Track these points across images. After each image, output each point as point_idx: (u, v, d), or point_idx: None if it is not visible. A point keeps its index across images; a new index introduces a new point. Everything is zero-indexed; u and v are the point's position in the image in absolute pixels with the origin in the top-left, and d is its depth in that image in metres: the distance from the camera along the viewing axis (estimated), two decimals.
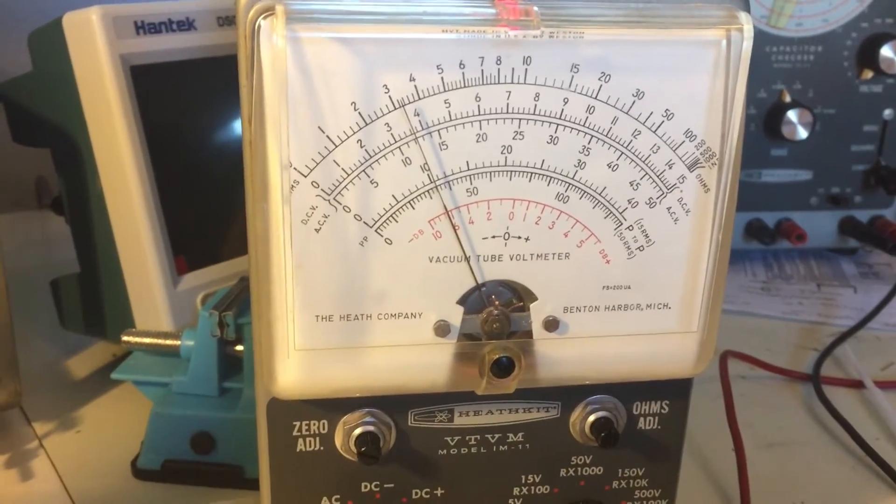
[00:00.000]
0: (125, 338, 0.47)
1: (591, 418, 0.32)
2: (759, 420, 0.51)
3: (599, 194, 0.29)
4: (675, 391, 0.32)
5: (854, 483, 0.46)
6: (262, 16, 0.25)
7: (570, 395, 0.32)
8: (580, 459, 0.33)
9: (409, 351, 0.29)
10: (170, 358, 0.47)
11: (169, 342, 0.46)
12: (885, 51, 0.68)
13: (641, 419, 0.33)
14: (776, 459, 0.48)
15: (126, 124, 0.48)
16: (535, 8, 0.26)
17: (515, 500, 0.33)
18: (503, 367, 0.29)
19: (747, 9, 0.28)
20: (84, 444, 0.49)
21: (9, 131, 0.55)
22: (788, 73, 0.70)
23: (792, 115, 0.69)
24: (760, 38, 0.69)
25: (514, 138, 0.28)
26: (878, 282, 0.71)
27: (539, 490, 0.33)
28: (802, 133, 0.69)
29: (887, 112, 0.71)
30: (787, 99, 0.70)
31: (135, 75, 0.48)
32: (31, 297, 0.59)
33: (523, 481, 0.33)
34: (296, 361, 0.28)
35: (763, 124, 0.71)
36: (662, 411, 0.33)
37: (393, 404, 0.31)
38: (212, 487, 0.44)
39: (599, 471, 0.33)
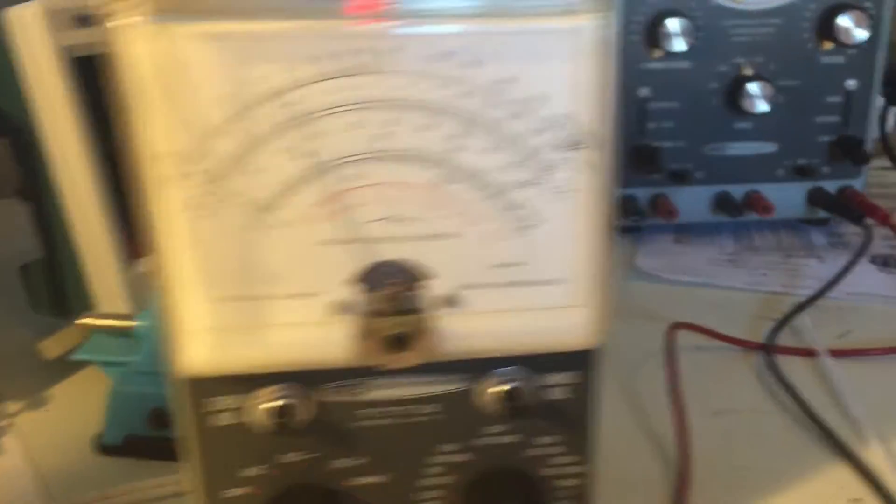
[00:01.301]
0: (82, 321, 0.49)
1: (500, 389, 0.33)
2: (708, 389, 0.52)
3: (481, 176, 0.30)
4: (582, 362, 0.34)
5: (798, 449, 0.48)
6: (132, 11, 0.26)
7: (480, 367, 0.33)
8: (494, 429, 0.34)
9: (308, 329, 0.31)
10: (126, 338, 0.49)
11: (125, 323, 0.48)
12: (842, 20, 0.68)
13: (551, 389, 0.34)
14: (722, 427, 0.50)
15: (72, 112, 0.49)
16: (397, 3, 0.27)
17: (434, 467, 0.35)
18: (399, 342, 0.30)
19: None
20: (52, 422, 0.51)
21: None
22: (748, 46, 0.70)
23: (752, 87, 0.69)
24: (719, 12, 0.69)
25: (390, 125, 0.29)
26: (846, 251, 0.71)
27: (456, 458, 0.35)
28: (762, 106, 0.69)
29: (850, 82, 0.72)
30: (748, 72, 0.70)
31: (78, 66, 0.50)
32: (5, 283, 0.61)
33: (440, 450, 0.34)
34: (199, 341, 0.30)
35: (724, 98, 0.71)
36: (571, 381, 0.34)
37: (306, 378, 0.32)
38: (168, 461, 0.46)
39: (514, 439, 0.34)
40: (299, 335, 0.31)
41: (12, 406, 0.52)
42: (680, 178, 0.73)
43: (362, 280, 0.31)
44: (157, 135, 0.28)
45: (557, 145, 0.30)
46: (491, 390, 0.33)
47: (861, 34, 0.69)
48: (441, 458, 0.34)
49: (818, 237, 0.75)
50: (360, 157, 0.29)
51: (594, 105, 0.30)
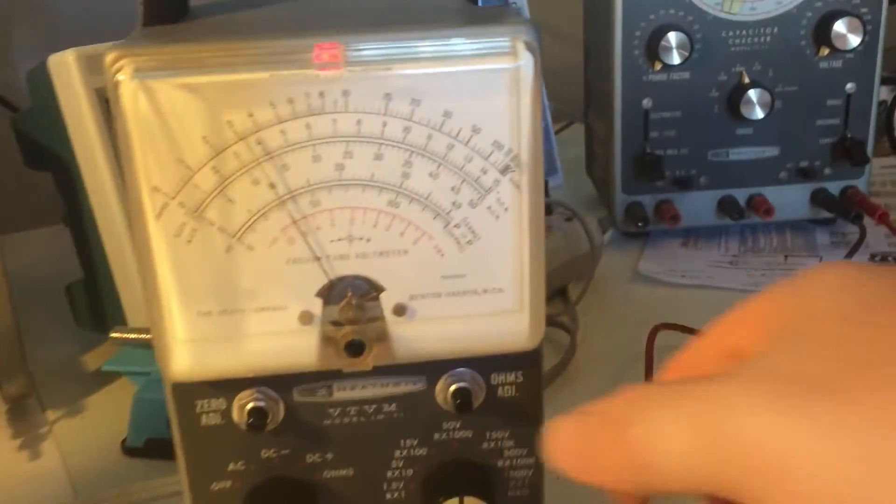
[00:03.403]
0: (112, 335, 0.54)
1: (452, 388, 0.37)
2: None
3: (426, 199, 0.34)
4: (527, 362, 0.37)
5: None
6: (119, 71, 0.31)
7: (434, 369, 0.37)
8: (450, 425, 0.38)
9: (279, 338, 0.35)
10: (151, 350, 0.54)
11: (148, 336, 0.53)
12: (838, 27, 0.71)
13: (499, 388, 0.38)
14: None
15: (104, 148, 0.55)
16: (344, 53, 0.32)
17: (398, 461, 0.39)
18: (356, 348, 0.35)
19: (535, 38, 0.32)
20: (86, 428, 0.56)
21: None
22: (746, 55, 0.73)
23: (752, 94, 0.72)
24: (716, 24, 0.72)
25: (344, 157, 0.33)
26: (847, 251, 0.73)
27: (417, 452, 0.38)
28: (759, 112, 0.72)
29: (849, 86, 0.74)
30: (746, 80, 0.73)
31: (110, 105, 0.55)
32: (57, 301, 0.67)
33: (402, 445, 0.38)
34: (183, 351, 0.35)
35: (725, 106, 0.74)
36: (517, 380, 0.38)
37: (279, 383, 0.37)
38: None
39: (469, 434, 0.38)
40: (271, 344, 0.35)
41: (52, 414, 0.58)
42: (683, 184, 0.75)
43: (324, 294, 0.35)
44: (143, 172, 0.32)
45: (492, 170, 0.34)
46: (445, 389, 0.37)
47: (856, 39, 0.71)
48: (403, 453, 0.38)
49: (822, 237, 0.77)
50: (319, 186, 0.34)
51: (522, 134, 0.33)
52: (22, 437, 0.55)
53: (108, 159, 0.55)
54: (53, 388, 0.60)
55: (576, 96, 0.87)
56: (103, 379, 0.61)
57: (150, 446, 0.52)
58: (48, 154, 0.59)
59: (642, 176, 0.75)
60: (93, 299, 0.62)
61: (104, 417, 0.57)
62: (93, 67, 0.55)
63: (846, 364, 0.22)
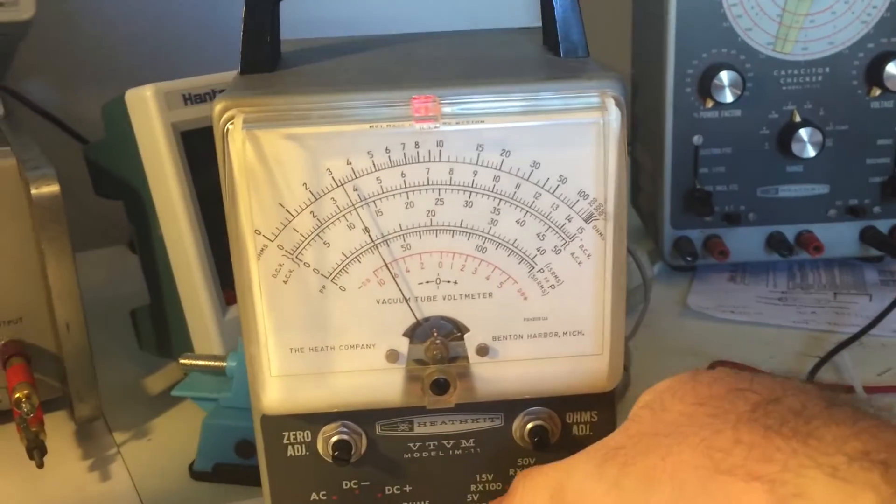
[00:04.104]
0: (182, 361, 0.56)
1: (529, 426, 0.38)
2: None
3: (512, 245, 0.35)
4: (602, 403, 0.39)
5: None
6: (229, 121, 0.33)
7: (512, 407, 0.39)
8: (525, 461, 0.39)
9: (366, 375, 0.36)
10: (219, 376, 0.56)
11: (217, 363, 0.55)
12: (890, 68, 0.71)
13: (574, 426, 0.39)
14: None
15: (178, 180, 0.57)
16: (441, 107, 0.33)
17: (473, 495, 0.40)
18: (440, 386, 0.36)
19: (622, 92, 0.34)
20: (153, 450, 0.58)
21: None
22: (798, 94, 0.74)
23: (802, 133, 0.73)
24: (768, 63, 0.73)
25: (436, 204, 0.34)
26: None
27: (492, 487, 0.40)
28: (811, 151, 0.73)
29: None
30: (797, 119, 0.74)
31: (185, 139, 0.57)
32: (117, 324, 0.69)
33: (478, 480, 0.40)
34: (275, 385, 0.36)
35: (776, 143, 0.75)
36: (592, 420, 0.39)
37: (363, 417, 0.38)
38: (253, 486, 0.53)
39: None
40: (358, 380, 0.37)
41: (120, 436, 0.59)
42: (732, 219, 0.76)
43: (410, 333, 0.36)
44: (246, 215, 0.34)
45: (576, 218, 0.35)
46: (522, 427, 0.38)
47: None
48: (479, 487, 0.40)
49: (871, 275, 0.77)
50: (411, 230, 0.35)
51: (609, 184, 0.35)
52: (92, 459, 0.57)
53: (181, 190, 0.57)
54: (118, 409, 0.62)
55: None
56: (167, 402, 0.62)
57: (217, 471, 0.54)
58: (120, 183, 0.61)
59: (691, 211, 0.76)
60: (159, 325, 0.63)
61: (171, 441, 0.58)
62: (169, 102, 0.57)
63: (637, 436, 0.30)
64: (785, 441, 0.25)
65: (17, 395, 0.52)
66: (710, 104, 0.74)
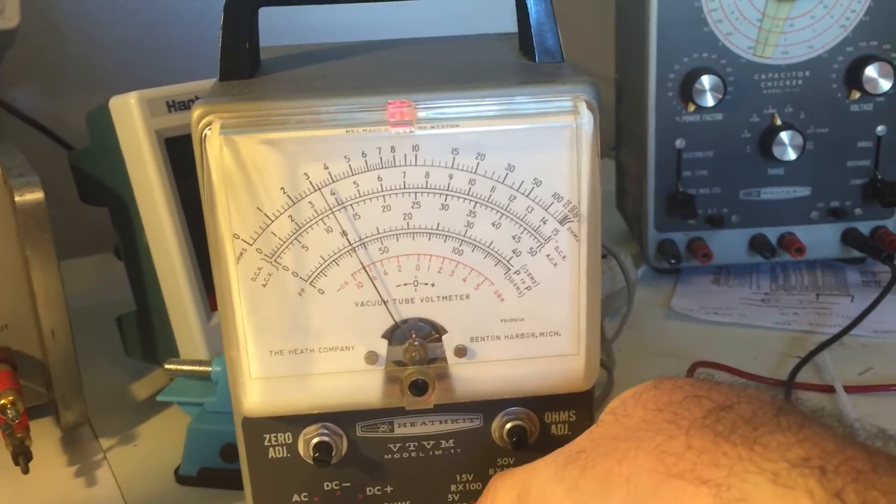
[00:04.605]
0: (167, 366, 0.56)
1: (508, 426, 0.39)
2: None
3: (488, 247, 0.36)
4: (580, 402, 0.39)
5: None
6: (207, 126, 0.33)
7: (490, 407, 0.39)
8: (505, 461, 0.40)
9: (346, 376, 0.37)
10: (205, 381, 0.56)
11: (202, 368, 0.55)
12: (870, 71, 0.72)
13: (553, 426, 0.39)
14: None
15: (162, 187, 0.57)
16: (417, 112, 0.34)
17: (453, 495, 0.40)
18: (419, 387, 0.36)
19: (595, 96, 0.34)
20: (139, 455, 0.58)
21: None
22: (778, 97, 0.75)
23: (783, 136, 0.74)
24: (748, 67, 0.74)
25: (412, 207, 0.35)
26: (878, 290, 0.74)
27: (472, 487, 0.40)
28: (791, 154, 0.73)
29: (880, 128, 0.75)
30: (778, 122, 0.74)
31: (169, 146, 0.57)
32: (103, 330, 0.69)
33: (458, 480, 0.40)
34: (256, 388, 0.37)
35: (758, 146, 0.76)
36: (570, 419, 0.39)
37: (343, 418, 0.39)
38: (238, 490, 0.53)
39: None
40: (338, 382, 0.37)
41: (106, 442, 0.60)
42: (715, 222, 0.77)
43: (389, 335, 0.37)
44: (225, 220, 0.35)
45: (551, 220, 0.36)
46: (501, 427, 0.39)
47: (887, 84, 0.72)
48: (459, 487, 0.40)
49: (853, 276, 0.78)
50: (388, 233, 0.35)
51: (582, 186, 0.35)
52: (77, 465, 0.57)
53: (165, 197, 0.57)
54: (104, 415, 0.62)
55: (605, 132, 0.89)
56: (153, 408, 0.63)
57: (203, 475, 0.54)
58: (105, 190, 0.62)
59: (675, 214, 0.77)
60: (144, 331, 0.64)
61: (156, 446, 0.59)
62: (153, 109, 0.57)
63: (598, 440, 0.30)
64: (732, 447, 0.26)
65: (2, 402, 0.52)
66: (691, 108, 0.75)
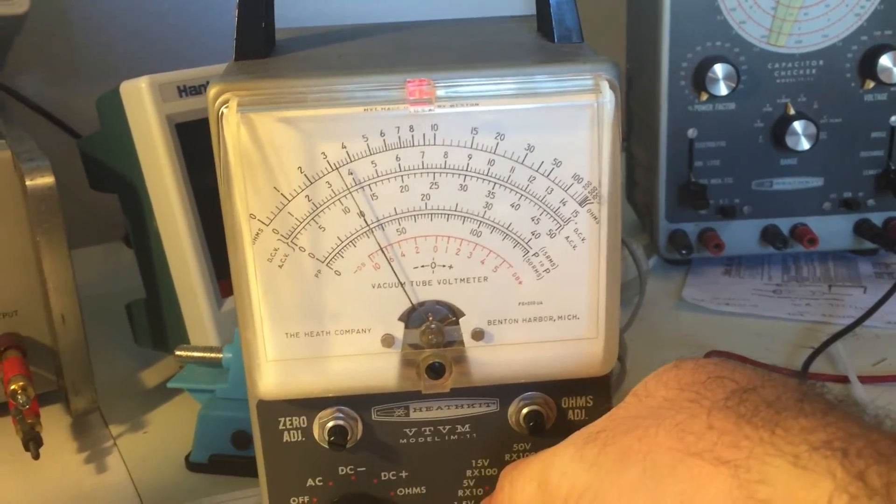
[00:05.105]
0: (178, 352, 0.56)
1: (524, 411, 0.38)
2: None
3: (507, 229, 0.35)
4: (597, 387, 0.39)
5: None
6: (224, 104, 0.33)
7: (507, 392, 0.39)
8: (521, 446, 0.39)
9: (362, 359, 0.36)
10: (216, 368, 0.56)
11: (213, 355, 0.55)
12: (884, 61, 0.72)
13: (570, 411, 0.39)
14: None
15: (173, 173, 0.57)
16: (436, 90, 0.33)
17: (469, 480, 0.40)
18: (436, 371, 0.36)
19: (616, 75, 0.34)
20: (150, 442, 0.58)
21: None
22: (792, 86, 0.74)
23: (797, 126, 0.73)
24: (762, 56, 0.73)
25: (430, 188, 0.35)
26: (891, 281, 0.74)
27: (488, 472, 0.40)
28: (805, 144, 0.73)
29: (893, 119, 0.75)
30: (792, 111, 0.74)
31: (179, 131, 0.57)
32: (113, 318, 0.69)
33: (474, 465, 0.40)
34: (271, 370, 0.36)
35: (770, 136, 0.75)
36: (587, 405, 0.39)
37: (358, 402, 0.38)
38: (249, 477, 0.53)
39: None
40: (354, 365, 0.37)
41: (116, 429, 0.59)
42: (727, 212, 0.76)
43: (405, 318, 0.36)
44: (241, 199, 0.34)
45: (571, 201, 0.35)
46: (518, 412, 0.38)
47: None
48: (475, 472, 0.40)
49: (865, 267, 0.77)
50: (406, 214, 0.35)
51: (603, 167, 0.35)
52: (87, 451, 0.57)
53: (176, 183, 0.57)
54: (114, 403, 0.62)
55: None
56: (163, 395, 0.62)
57: (214, 462, 0.54)
58: (115, 176, 0.61)
59: (686, 204, 0.76)
60: (154, 318, 0.63)
61: (166, 433, 0.58)
62: (164, 94, 0.57)
63: (619, 420, 0.30)
64: (754, 429, 0.26)
65: (12, 387, 0.52)
66: (704, 97, 0.74)
